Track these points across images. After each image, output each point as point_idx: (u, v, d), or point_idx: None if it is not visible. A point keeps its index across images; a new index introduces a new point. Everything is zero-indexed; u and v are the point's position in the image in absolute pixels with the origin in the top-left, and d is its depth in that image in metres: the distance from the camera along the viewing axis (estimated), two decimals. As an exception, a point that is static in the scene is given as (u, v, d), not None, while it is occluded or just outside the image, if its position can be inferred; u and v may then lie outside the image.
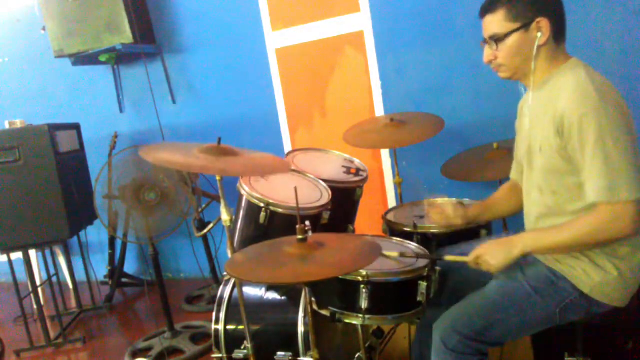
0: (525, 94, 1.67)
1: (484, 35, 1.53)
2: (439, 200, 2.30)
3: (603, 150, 1.33)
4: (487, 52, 1.54)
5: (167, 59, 3.66)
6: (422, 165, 3.03)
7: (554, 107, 1.43)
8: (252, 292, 2.11)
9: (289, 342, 1.96)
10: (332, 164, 2.48)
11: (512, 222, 1.92)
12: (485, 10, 1.51)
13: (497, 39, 1.49)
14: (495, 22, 1.48)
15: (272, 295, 2.08)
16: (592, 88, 1.36)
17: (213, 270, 3.48)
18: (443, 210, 1.83)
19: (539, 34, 1.45)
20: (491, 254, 1.50)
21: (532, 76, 1.52)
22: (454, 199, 2.38)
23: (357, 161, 2.53)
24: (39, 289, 3.30)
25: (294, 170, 2.29)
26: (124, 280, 3.90)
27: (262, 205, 1.99)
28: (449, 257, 1.67)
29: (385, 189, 3.21)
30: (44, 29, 3.50)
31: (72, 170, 3.17)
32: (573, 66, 1.47)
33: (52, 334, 3.23)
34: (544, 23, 1.44)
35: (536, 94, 1.55)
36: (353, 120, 2.87)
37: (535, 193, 1.56)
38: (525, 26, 1.45)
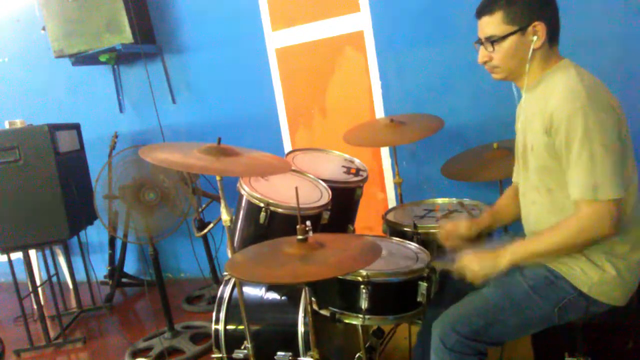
0: (521, 97, 1.67)
1: (480, 35, 1.54)
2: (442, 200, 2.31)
3: (589, 149, 1.34)
4: (482, 53, 1.55)
5: (167, 59, 3.66)
6: (422, 165, 3.03)
7: (544, 107, 1.44)
8: (252, 292, 2.11)
9: (289, 342, 1.96)
10: (332, 164, 2.48)
11: (512, 224, 1.91)
12: (483, 11, 1.51)
13: (494, 41, 1.49)
14: (493, 24, 1.49)
15: (272, 295, 2.08)
16: (581, 87, 1.38)
17: (213, 270, 3.48)
18: (457, 235, 1.79)
19: (535, 38, 1.46)
20: (477, 265, 1.51)
21: (526, 78, 1.53)
22: (454, 198, 2.39)
23: (357, 161, 2.54)
24: (39, 289, 3.30)
25: (294, 170, 2.29)
26: (124, 280, 3.90)
27: (262, 205, 1.99)
28: (437, 264, 1.67)
29: (385, 189, 3.21)
30: (44, 29, 3.50)
31: (72, 170, 3.17)
32: (564, 66, 1.49)
33: (52, 334, 3.23)
34: (540, 27, 1.46)
35: (529, 95, 1.57)
36: (353, 120, 2.88)
37: (532, 193, 1.56)
38: (522, 29, 1.46)
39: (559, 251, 1.46)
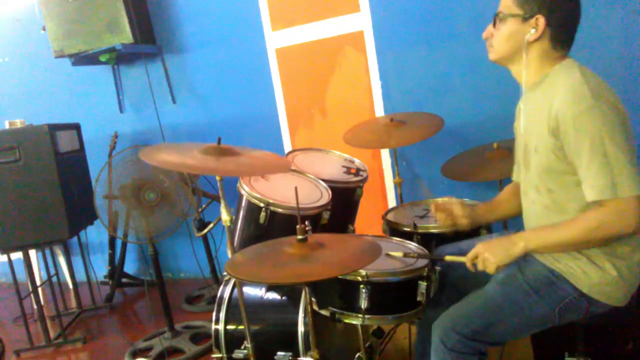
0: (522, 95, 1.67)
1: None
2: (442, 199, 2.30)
3: (601, 149, 1.33)
4: (488, 29, 1.56)
5: (167, 59, 3.66)
6: (422, 165, 3.03)
7: (548, 107, 1.43)
8: (252, 292, 2.11)
9: (289, 342, 1.96)
10: (332, 164, 2.48)
11: (512, 222, 1.91)
12: None
13: (498, 17, 1.51)
14: (507, 1, 1.51)
15: (272, 295, 2.08)
16: (586, 88, 1.37)
17: (213, 270, 3.48)
18: (449, 211, 1.81)
19: (532, 30, 1.46)
20: (491, 252, 1.49)
21: (525, 75, 1.53)
22: (454, 198, 2.38)
23: (357, 161, 2.53)
24: (39, 289, 3.30)
25: (294, 170, 2.29)
26: (124, 280, 3.90)
27: (262, 205, 1.99)
28: (448, 257, 1.67)
29: (385, 189, 3.21)
30: (44, 28, 3.50)
31: (72, 170, 3.17)
32: (567, 66, 1.48)
33: (52, 334, 3.24)
34: (541, 22, 1.45)
35: (531, 94, 1.56)
36: (353, 120, 2.88)
37: (533, 193, 1.56)
38: (525, 18, 1.47)
39: (575, 245, 1.44)
